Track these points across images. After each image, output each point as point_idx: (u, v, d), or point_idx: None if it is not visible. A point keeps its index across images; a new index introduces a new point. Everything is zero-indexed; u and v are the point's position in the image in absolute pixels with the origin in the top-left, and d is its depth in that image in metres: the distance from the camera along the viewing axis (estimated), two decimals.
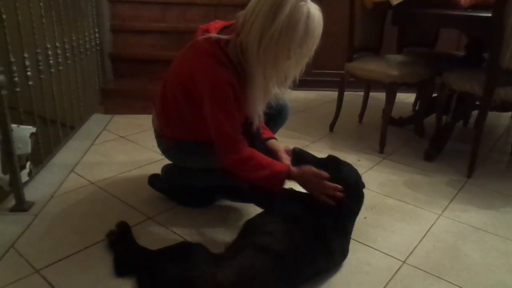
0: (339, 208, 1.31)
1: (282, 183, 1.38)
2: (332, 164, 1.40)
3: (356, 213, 1.39)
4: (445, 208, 1.76)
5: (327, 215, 1.30)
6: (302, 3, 1.21)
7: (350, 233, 1.38)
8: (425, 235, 1.56)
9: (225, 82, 1.30)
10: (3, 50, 1.55)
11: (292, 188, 1.52)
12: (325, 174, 1.35)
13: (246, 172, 1.38)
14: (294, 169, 1.38)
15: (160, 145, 1.61)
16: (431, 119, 2.56)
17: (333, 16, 3.38)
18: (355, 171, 1.42)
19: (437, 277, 1.34)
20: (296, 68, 1.35)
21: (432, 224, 1.64)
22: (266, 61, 1.27)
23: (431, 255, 1.45)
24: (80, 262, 1.33)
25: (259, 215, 1.38)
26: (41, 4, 1.89)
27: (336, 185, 1.33)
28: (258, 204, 1.49)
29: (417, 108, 2.88)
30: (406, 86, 2.37)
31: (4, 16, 1.52)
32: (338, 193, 1.32)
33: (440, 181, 2.01)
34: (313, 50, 1.30)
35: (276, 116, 1.66)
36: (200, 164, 1.56)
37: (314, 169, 1.37)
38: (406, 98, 3.40)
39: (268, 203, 1.42)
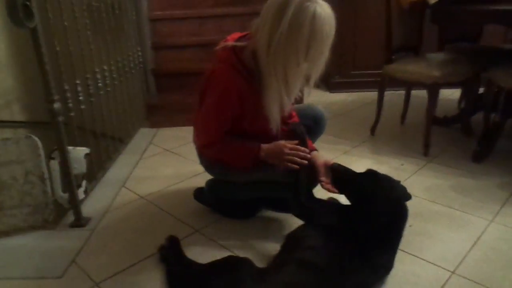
0: (379, 222, 1.29)
1: (253, 158, 1.48)
2: (371, 178, 1.38)
3: (401, 228, 1.35)
4: (497, 214, 1.69)
5: (371, 229, 1.29)
6: (308, 3, 1.21)
7: (397, 247, 1.35)
8: (475, 243, 1.52)
9: (234, 86, 1.37)
10: (58, 79, 1.67)
11: (334, 199, 1.54)
12: (291, 142, 1.45)
13: (219, 154, 1.54)
14: (263, 147, 1.48)
15: (201, 162, 1.69)
16: (479, 117, 2.46)
17: (370, 15, 3.36)
18: (397, 184, 1.39)
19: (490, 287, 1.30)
20: (310, 69, 1.36)
21: (483, 232, 1.58)
22: (276, 65, 1.30)
23: (482, 264, 1.40)
24: (135, 275, 1.42)
25: (300, 228, 1.40)
26: (88, 33, 2.02)
27: (298, 147, 1.43)
28: (300, 216, 1.51)
29: (462, 106, 2.78)
30: (450, 85, 2.30)
31: (58, 48, 1.64)
32: (299, 156, 1.42)
33: (490, 184, 1.94)
34: (325, 50, 1.30)
35: (313, 126, 1.68)
36: (242, 178, 1.60)
37: (282, 141, 1.45)
38: (451, 94, 3.28)
39: (309, 216, 1.43)
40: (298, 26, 1.22)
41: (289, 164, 1.43)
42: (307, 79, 1.41)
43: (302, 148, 1.45)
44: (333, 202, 1.47)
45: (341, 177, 1.42)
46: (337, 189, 1.43)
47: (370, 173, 1.40)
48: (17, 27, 1.36)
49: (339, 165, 1.46)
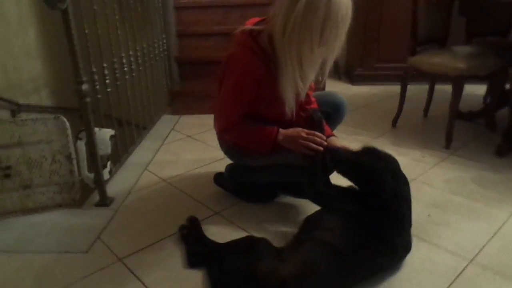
0: (382, 191, 1.29)
1: (271, 142, 1.50)
2: (370, 153, 1.38)
3: (407, 198, 1.36)
4: None
5: (382, 210, 1.29)
6: None
7: (410, 224, 1.35)
8: (494, 234, 1.51)
9: (251, 68, 1.40)
10: (86, 62, 1.72)
11: (353, 186, 1.54)
12: (307, 130, 1.47)
13: (238, 138, 1.57)
14: (281, 131, 1.49)
15: (221, 146, 1.72)
16: (504, 112, 2.42)
17: (396, 6, 3.31)
18: (391, 155, 1.39)
19: (507, 277, 1.29)
20: (325, 55, 1.37)
21: (503, 224, 1.57)
22: (291, 48, 1.32)
23: (501, 255, 1.40)
24: (157, 252, 1.46)
25: (318, 212, 1.42)
26: (116, 17, 2.07)
27: (315, 132, 1.45)
28: (316, 201, 1.53)
29: (488, 101, 2.73)
30: (475, 79, 2.26)
31: (86, 31, 1.70)
32: (315, 142, 1.44)
33: None
34: (340, 35, 1.30)
35: (332, 114, 1.69)
36: (260, 162, 1.63)
37: (297, 128, 1.48)
38: (477, 90, 3.21)
39: (324, 202, 1.45)
40: (313, 9, 1.23)
41: (305, 149, 1.45)
42: (322, 65, 1.42)
43: (319, 134, 1.46)
44: (350, 188, 1.48)
45: (337, 157, 1.41)
46: (338, 170, 1.44)
47: (369, 148, 1.40)
48: (49, 8, 1.41)
49: (335, 148, 1.46)
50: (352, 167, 1.37)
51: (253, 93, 1.46)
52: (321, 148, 1.45)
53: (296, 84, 1.42)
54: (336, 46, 1.33)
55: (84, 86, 1.61)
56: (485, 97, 2.86)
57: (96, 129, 1.77)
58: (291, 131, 1.50)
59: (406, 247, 1.34)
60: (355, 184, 1.41)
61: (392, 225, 1.29)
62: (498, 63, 2.24)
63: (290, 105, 1.46)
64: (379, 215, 1.29)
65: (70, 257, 1.45)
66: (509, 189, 1.82)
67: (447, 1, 2.45)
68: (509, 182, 1.87)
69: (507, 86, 2.42)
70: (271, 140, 1.50)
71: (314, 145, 1.44)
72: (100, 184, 1.77)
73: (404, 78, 2.49)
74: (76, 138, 1.78)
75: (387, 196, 1.29)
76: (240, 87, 1.45)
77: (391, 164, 1.35)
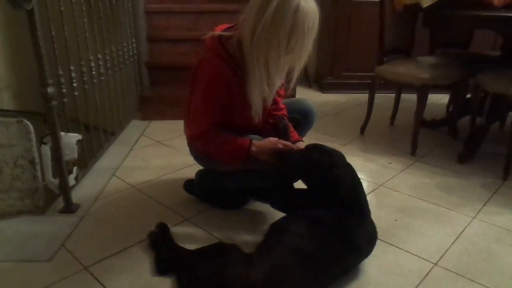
0: (340, 183, 1.32)
1: (243, 154, 1.47)
2: (314, 149, 1.42)
3: (360, 185, 1.38)
4: (479, 211, 1.75)
5: (342, 203, 1.32)
6: None
7: (369, 210, 1.38)
8: (457, 237, 1.56)
9: (220, 74, 1.40)
10: (52, 64, 1.67)
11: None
12: (280, 142, 1.46)
13: (207, 147, 1.54)
14: (255, 142, 1.48)
15: (191, 151, 1.71)
16: (465, 121, 2.53)
17: (364, 17, 3.42)
18: (334, 149, 1.44)
19: (470, 279, 1.34)
20: (291, 62, 1.39)
21: (465, 227, 1.63)
22: (258, 54, 1.33)
23: (464, 257, 1.45)
24: (124, 260, 1.42)
25: (283, 218, 1.43)
26: (85, 20, 2.02)
27: (290, 144, 1.46)
28: (280, 208, 1.53)
29: (450, 109, 2.84)
30: (439, 88, 2.35)
31: (53, 33, 1.65)
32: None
33: (474, 183, 1.99)
34: (307, 44, 1.33)
35: (302, 121, 1.72)
36: (230, 168, 1.61)
37: (273, 139, 1.48)
38: (440, 99, 3.35)
39: (290, 207, 1.46)
40: (281, 17, 1.25)
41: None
42: (290, 72, 1.44)
43: (295, 148, 1.46)
44: (311, 191, 1.49)
45: (284, 159, 1.43)
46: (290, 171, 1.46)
47: (315, 145, 1.43)
48: (14, 8, 1.36)
49: (282, 150, 1.46)
50: (303, 166, 1.39)
51: (223, 99, 1.45)
52: None
53: (263, 90, 1.42)
54: (302, 54, 1.36)
55: (50, 89, 1.56)
56: (448, 106, 2.99)
57: (62, 133, 1.71)
58: (267, 142, 1.48)
59: (371, 238, 1.36)
60: (308, 183, 1.44)
61: (353, 214, 1.32)
62: (460, 73, 2.34)
63: (256, 110, 1.47)
64: (340, 209, 1.31)
65: (31, 266, 1.39)
66: (470, 194, 1.89)
67: (411, 14, 2.55)
68: (471, 188, 1.95)
69: (469, 95, 2.54)
70: (243, 151, 1.47)
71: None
72: (65, 190, 1.71)
73: (372, 86, 2.57)
74: (41, 142, 1.72)
75: (345, 187, 1.32)
76: (210, 93, 1.45)
77: (340, 157, 1.40)
